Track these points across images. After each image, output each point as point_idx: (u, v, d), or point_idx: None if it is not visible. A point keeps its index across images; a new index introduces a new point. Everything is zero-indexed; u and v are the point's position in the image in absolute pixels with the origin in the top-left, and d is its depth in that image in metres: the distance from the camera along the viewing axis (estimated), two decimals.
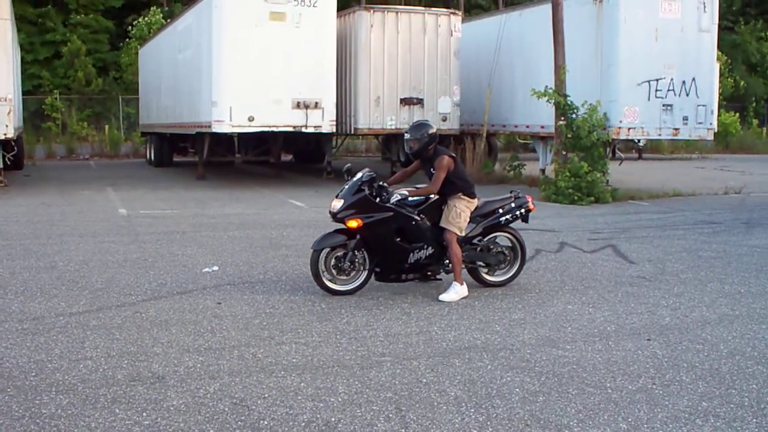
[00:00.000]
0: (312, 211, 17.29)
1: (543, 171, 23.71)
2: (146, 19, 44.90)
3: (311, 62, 22.09)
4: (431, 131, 9.66)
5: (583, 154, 19.78)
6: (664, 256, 12.48)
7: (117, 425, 5.67)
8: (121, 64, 47.21)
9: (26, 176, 26.87)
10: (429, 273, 9.77)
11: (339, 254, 9.47)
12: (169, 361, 7.04)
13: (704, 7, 21.02)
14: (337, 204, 9.37)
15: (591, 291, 10.01)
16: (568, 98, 19.82)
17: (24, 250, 12.65)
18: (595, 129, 19.60)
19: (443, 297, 9.43)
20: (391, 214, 9.36)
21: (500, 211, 9.93)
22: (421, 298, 9.53)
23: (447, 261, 9.69)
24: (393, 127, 24.19)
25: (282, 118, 21.92)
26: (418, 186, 9.79)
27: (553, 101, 20.01)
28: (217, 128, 22.03)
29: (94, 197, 20.52)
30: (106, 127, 40.99)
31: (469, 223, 9.69)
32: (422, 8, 26.93)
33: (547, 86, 20.18)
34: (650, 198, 20.79)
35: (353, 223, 9.26)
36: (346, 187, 9.52)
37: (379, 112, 24.05)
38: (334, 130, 23.49)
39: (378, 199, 9.38)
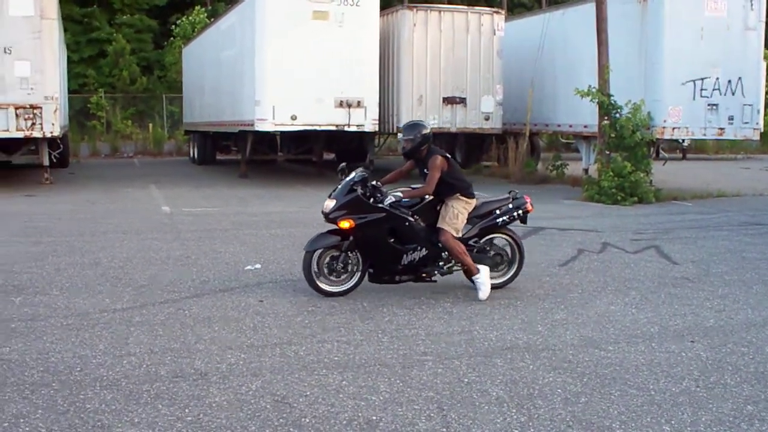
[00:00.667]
0: None
1: (586, 171, 23.55)
2: (190, 18, 45.13)
3: (354, 61, 22.10)
4: (424, 132, 9.54)
5: (627, 153, 19.62)
6: (708, 257, 12.37)
7: (160, 421, 5.71)
8: (164, 63, 47.53)
9: (71, 174, 27.15)
10: (424, 275, 9.64)
11: (332, 255, 9.38)
12: (211, 358, 7.08)
13: (751, 4, 20.77)
14: (330, 204, 9.29)
15: (634, 292, 9.93)
16: (612, 97, 19.69)
17: (69, 246, 12.77)
18: (638, 128, 19.44)
19: (480, 296, 9.38)
20: (384, 214, 9.24)
21: (497, 212, 9.76)
22: (462, 297, 9.50)
23: (442, 263, 9.60)
24: (435, 125, 24.10)
25: (324, 117, 21.97)
26: (413, 186, 9.66)
27: (596, 100, 19.88)
28: (259, 127, 22.11)
29: (137, 195, 20.69)
30: (150, 125, 41.32)
31: (465, 224, 9.59)
32: (465, 7, 26.85)
33: (590, 85, 20.05)
34: (694, 198, 20.60)
35: (345, 224, 9.17)
36: (339, 187, 9.43)
37: (421, 111, 24.01)
38: (377, 129, 23.50)
39: (371, 200, 9.29)
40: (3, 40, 20.61)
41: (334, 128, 22.40)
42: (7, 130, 20.95)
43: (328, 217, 9.28)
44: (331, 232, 9.42)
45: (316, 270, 9.36)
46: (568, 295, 9.73)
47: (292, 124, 21.92)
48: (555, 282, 10.38)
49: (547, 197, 20.31)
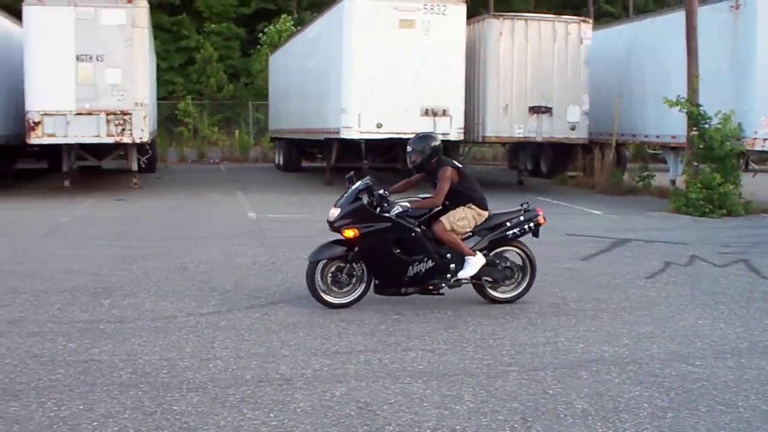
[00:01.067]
0: None
1: (673, 182, 23.19)
2: (276, 26, 45.60)
3: (440, 69, 22.12)
4: (433, 144, 9.46)
5: (716, 165, 19.26)
6: None
7: (245, 424, 5.77)
8: (251, 71, 48.07)
9: (159, 179, 27.59)
10: (431, 287, 9.37)
11: (336, 266, 9.20)
12: (296, 364, 7.13)
13: None
14: (335, 212, 9.14)
15: (722, 306, 9.74)
16: (701, 107, 19.37)
17: (156, 250, 12.98)
18: (728, 139, 19.09)
19: (461, 274, 9.23)
20: (390, 224, 9.06)
21: (508, 224, 9.48)
22: (547, 308, 9.43)
23: (449, 275, 9.30)
24: (521, 135, 24.00)
25: (410, 125, 21.91)
26: (422, 196, 9.52)
27: (685, 110, 19.58)
28: (345, 134, 22.23)
29: (223, 200, 20.95)
30: (236, 131, 41.78)
31: (474, 235, 9.37)
32: (552, 16, 26.60)
33: (679, 95, 19.74)
34: None
35: (349, 233, 9.00)
36: (345, 195, 9.29)
37: (507, 120, 23.85)
38: (462, 138, 23.45)
39: (378, 209, 9.15)
40: (96, 48, 21.10)
41: None
42: (98, 136, 21.44)
43: (333, 225, 9.14)
44: (335, 242, 9.26)
45: (319, 281, 9.20)
46: (655, 308, 9.59)
47: (378, 132, 22.00)
48: (641, 294, 10.24)
49: (634, 208, 20.08)
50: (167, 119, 42.74)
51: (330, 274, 9.23)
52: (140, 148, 23.44)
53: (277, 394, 6.38)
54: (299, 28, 34.75)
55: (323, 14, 25.74)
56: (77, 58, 21.14)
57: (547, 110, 24.20)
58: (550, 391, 6.53)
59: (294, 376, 6.80)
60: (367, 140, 23.78)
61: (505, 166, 34.27)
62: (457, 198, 9.30)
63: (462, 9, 22.50)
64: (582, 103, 24.47)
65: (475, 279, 9.42)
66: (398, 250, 9.14)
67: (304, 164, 32.75)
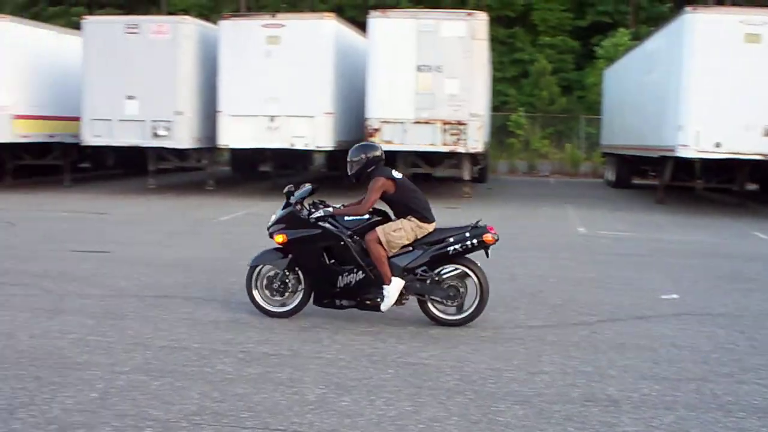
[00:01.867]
0: None
1: None
2: (613, 40, 45.07)
3: None
4: (370, 153, 9.12)
5: None
6: None
7: None
8: (585, 84, 47.77)
9: (489, 189, 27.99)
10: (368, 302, 8.88)
11: (272, 273, 9.08)
12: (624, 386, 7.01)
13: None
14: (272, 218, 9.08)
15: None
16: None
17: (485, 259, 13.11)
18: None
19: (382, 307, 8.75)
20: (319, 231, 8.84)
21: (450, 239, 8.77)
22: None
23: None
24: None
25: (751, 146, 21.02)
26: (347, 204, 9.18)
27: None
28: (681, 153, 21.58)
29: (553, 213, 20.95)
30: (567, 145, 41.62)
31: (414, 250, 8.78)
32: None
33: None
34: None
35: (279, 238, 8.92)
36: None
37: None
38: None
39: (310, 216, 8.89)
40: (436, 59, 21.82)
41: (761, 158, 21.39)
42: (434, 144, 22.18)
43: (268, 231, 9.09)
44: (277, 248, 9.15)
45: (256, 287, 9.15)
46: None
47: (716, 152, 21.18)
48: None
49: None
50: (499, 130, 43.25)
51: (265, 282, 9.17)
52: (473, 157, 23.88)
53: (603, 415, 6.30)
54: (636, 42, 34.17)
55: (662, 28, 25.13)
56: (417, 68, 21.98)
57: None
58: None
59: (621, 398, 6.69)
60: (703, 159, 22.97)
61: None
62: (396, 209, 9.02)
63: None
64: None
65: (420, 296, 8.94)
66: (332, 260, 8.94)
67: (636, 181, 32.12)
